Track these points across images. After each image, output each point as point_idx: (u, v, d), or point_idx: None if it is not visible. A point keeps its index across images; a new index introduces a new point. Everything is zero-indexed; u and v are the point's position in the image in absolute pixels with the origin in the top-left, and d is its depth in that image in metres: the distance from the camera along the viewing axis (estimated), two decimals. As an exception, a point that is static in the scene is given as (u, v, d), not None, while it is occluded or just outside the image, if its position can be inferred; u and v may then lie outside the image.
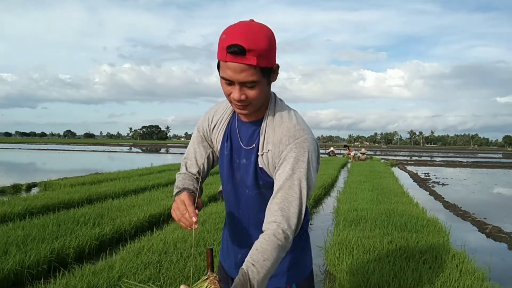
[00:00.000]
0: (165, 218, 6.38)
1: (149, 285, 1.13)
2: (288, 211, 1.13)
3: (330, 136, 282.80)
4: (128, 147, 59.28)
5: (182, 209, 1.19)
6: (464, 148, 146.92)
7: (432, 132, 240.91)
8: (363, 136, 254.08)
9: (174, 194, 1.32)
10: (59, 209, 6.55)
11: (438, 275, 3.59)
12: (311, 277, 1.40)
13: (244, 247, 1.35)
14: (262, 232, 1.25)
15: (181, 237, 4.63)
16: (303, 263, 1.37)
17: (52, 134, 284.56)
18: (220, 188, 8.19)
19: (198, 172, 1.40)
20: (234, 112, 1.33)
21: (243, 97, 1.13)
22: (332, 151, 34.55)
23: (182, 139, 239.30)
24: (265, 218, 1.16)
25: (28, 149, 43.89)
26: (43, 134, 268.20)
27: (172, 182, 10.86)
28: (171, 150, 52.22)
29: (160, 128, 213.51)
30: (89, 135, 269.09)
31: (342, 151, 36.23)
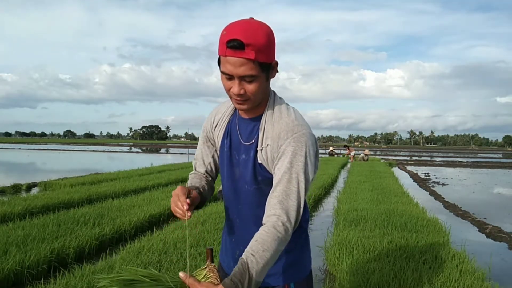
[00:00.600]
0: (165, 218, 6.38)
1: (149, 269, 1.12)
2: (287, 204, 1.16)
3: (330, 136, 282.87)
4: (128, 147, 59.29)
5: (175, 200, 1.21)
6: (464, 148, 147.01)
7: (432, 132, 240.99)
8: (363, 136, 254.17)
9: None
10: (59, 209, 6.55)
11: (438, 275, 3.59)
12: (310, 277, 1.39)
13: (242, 243, 1.34)
14: (258, 226, 1.27)
15: (181, 237, 4.63)
16: (302, 262, 1.37)
17: (52, 134, 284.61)
18: (220, 187, 8.17)
19: (206, 171, 1.46)
20: (235, 110, 1.36)
21: (242, 91, 1.16)
22: (332, 151, 34.56)
23: (182, 139, 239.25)
24: (265, 211, 1.18)
25: (28, 149, 43.90)
26: (43, 134, 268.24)
27: (172, 182, 10.87)
28: (171, 150, 52.23)
29: (160, 128, 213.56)
30: (89, 135, 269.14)
31: (342, 151, 36.26)
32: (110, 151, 42.08)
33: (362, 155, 26.15)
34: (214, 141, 1.43)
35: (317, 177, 11.60)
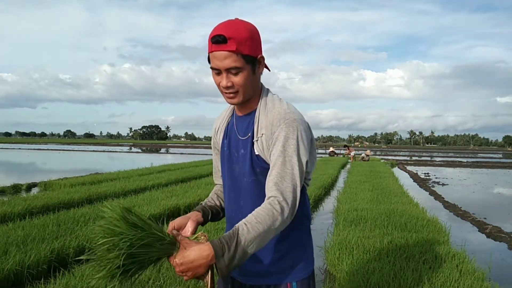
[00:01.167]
0: (165, 218, 6.38)
1: (150, 220, 1.16)
2: (282, 186, 1.19)
3: (330, 136, 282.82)
4: (128, 147, 59.28)
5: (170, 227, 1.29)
6: (464, 148, 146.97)
7: (432, 132, 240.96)
8: (363, 136, 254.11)
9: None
10: (59, 209, 6.55)
11: (438, 275, 3.59)
12: (312, 276, 1.39)
13: None
14: None
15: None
16: (305, 261, 1.37)
17: (52, 134, 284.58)
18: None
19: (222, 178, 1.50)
20: (233, 112, 1.42)
21: (229, 83, 1.22)
22: (332, 151, 34.55)
23: (182, 139, 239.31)
24: (266, 195, 1.22)
25: (28, 149, 43.90)
26: (43, 134, 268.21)
27: (172, 182, 10.86)
28: (171, 150, 52.23)
29: (160, 128, 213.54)
30: (89, 135, 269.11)
31: (342, 151, 36.25)
32: (110, 151, 42.07)
33: (363, 155, 26.15)
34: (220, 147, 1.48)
35: (317, 177, 11.61)
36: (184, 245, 1.11)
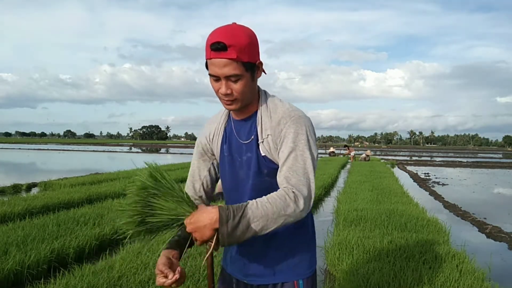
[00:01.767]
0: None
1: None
2: (295, 180, 1.18)
3: (330, 136, 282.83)
4: (128, 147, 59.27)
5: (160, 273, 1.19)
6: (463, 148, 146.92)
7: (432, 132, 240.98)
8: (363, 136, 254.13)
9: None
10: (59, 209, 6.55)
11: (438, 275, 3.59)
12: (315, 275, 1.40)
13: (253, 245, 1.34)
14: None
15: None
16: (309, 259, 1.38)
17: (52, 134, 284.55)
18: (217, 190, 8.13)
19: (203, 186, 1.44)
20: (229, 116, 1.40)
21: (229, 91, 1.21)
22: (332, 151, 34.53)
23: (182, 139, 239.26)
24: None
25: (28, 149, 43.89)
26: (43, 134, 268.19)
27: (172, 182, 10.83)
28: (171, 150, 52.22)
29: (160, 128, 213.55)
30: (89, 135, 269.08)
31: (342, 151, 36.24)
32: (110, 151, 42.07)
33: (364, 155, 26.16)
34: (212, 153, 1.45)
35: (317, 177, 11.60)
36: (199, 208, 1.15)
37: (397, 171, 18.86)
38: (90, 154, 35.01)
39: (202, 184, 1.44)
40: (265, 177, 1.30)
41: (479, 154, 56.68)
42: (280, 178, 1.21)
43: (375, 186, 10.33)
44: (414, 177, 15.91)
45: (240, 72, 1.18)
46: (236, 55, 1.16)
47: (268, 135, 1.27)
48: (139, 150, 48.35)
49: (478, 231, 6.59)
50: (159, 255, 3.89)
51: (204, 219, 1.10)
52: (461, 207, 8.59)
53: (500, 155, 54.41)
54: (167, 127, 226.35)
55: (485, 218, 7.48)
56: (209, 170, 1.45)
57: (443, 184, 13.67)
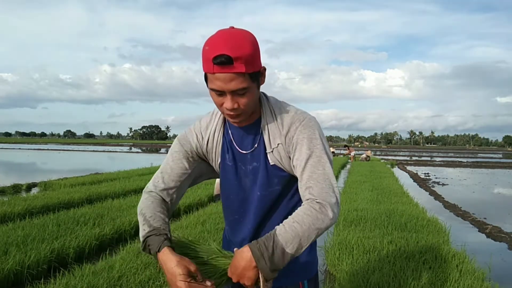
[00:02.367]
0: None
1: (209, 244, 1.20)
2: (316, 188, 1.14)
3: (330, 136, 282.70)
4: (128, 147, 59.27)
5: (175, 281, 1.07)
6: (463, 148, 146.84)
7: (432, 132, 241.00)
8: (363, 136, 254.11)
9: (142, 234, 1.19)
10: (59, 209, 6.54)
11: (438, 275, 3.59)
12: (317, 275, 1.40)
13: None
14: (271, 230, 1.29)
15: (180, 237, 4.63)
16: (313, 260, 1.37)
17: (52, 134, 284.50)
18: (215, 192, 8.12)
19: (178, 188, 1.31)
20: (225, 121, 1.31)
21: (235, 105, 1.12)
22: (332, 152, 34.52)
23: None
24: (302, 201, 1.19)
25: (28, 149, 43.88)
26: (43, 134, 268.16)
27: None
28: (171, 150, 52.12)
29: (160, 128, 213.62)
30: (89, 135, 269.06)
31: (342, 151, 36.22)
32: (110, 151, 42.06)
33: (364, 155, 26.15)
34: (200, 158, 1.35)
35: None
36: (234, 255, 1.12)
37: (397, 171, 18.85)
38: (90, 154, 35.00)
39: (179, 186, 1.31)
40: (275, 186, 1.26)
41: (479, 154, 56.67)
42: (302, 189, 1.17)
43: (375, 186, 10.33)
44: (414, 177, 15.91)
45: (247, 85, 1.10)
46: (244, 68, 1.06)
47: (278, 144, 1.22)
48: (139, 150, 48.34)
49: (478, 231, 6.58)
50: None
51: (240, 263, 1.07)
52: (461, 207, 8.59)
53: (500, 155, 54.39)
54: (167, 127, 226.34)
55: (485, 218, 7.47)
56: (190, 174, 1.33)
57: (443, 184, 13.66)
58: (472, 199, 10.37)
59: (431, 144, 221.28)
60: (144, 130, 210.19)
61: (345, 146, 34.51)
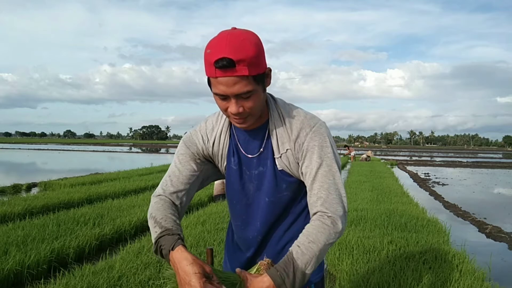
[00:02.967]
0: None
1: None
2: (327, 199, 1.13)
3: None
4: (128, 147, 59.27)
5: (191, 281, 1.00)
6: (461, 148, 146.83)
7: (432, 132, 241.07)
8: (363, 136, 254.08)
9: (154, 236, 1.14)
10: (59, 209, 6.54)
11: (438, 275, 3.59)
12: (323, 279, 1.37)
13: (254, 251, 1.32)
14: (280, 235, 1.28)
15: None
16: (320, 264, 1.32)
17: (52, 134, 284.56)
18: (215, 192, 8.12)
19: (187, 191, 1.27)
20: (231, 124, 1.28)
21: (241, 109, 1.09)
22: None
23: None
24: (309, 212, 1.17)
25: (28, 149, 43.88)
26: (43, 134, 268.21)
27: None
28: (171, 150, 52.18)
29: (160, 128, 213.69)
30: (89, 135, 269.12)
31: (342, 151, 36.22)
32: (110, 151, 42.07)
33: (364, 155, 26.15)
34: (207, 160, 1.31)
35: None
36: (245, 282, 1.06)
37: (397, 171, 18.85)
38: (90, 154, 35.00)
39: (188, 188, 1.27)
40: (284, 192, 1.23)
41: (479, 154, 56.67)
42: (312, 198, 1.15)
43: (375, 186, 10.33)
44: (414, 177, 15.91)
45: (252, 88, 1.06)
46: (248, 71, 1.02)
47: (287, 149, 1.19)
48: (139, 150, 48.33)
49: (478, 231, 6.58)
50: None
51: None
52: (461, 207, 8.59)
53: (500, 155, 54.39)
54: (167, 127, 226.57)
55: (485, 218, 7.47)
56: (198, 176, 1.29)
57: (443, 184, 13.66)
58: (472, 199, 10.37)
59: (431, 144, 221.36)
60: (144, 130, 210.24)
61: (345, 146, 34.50)
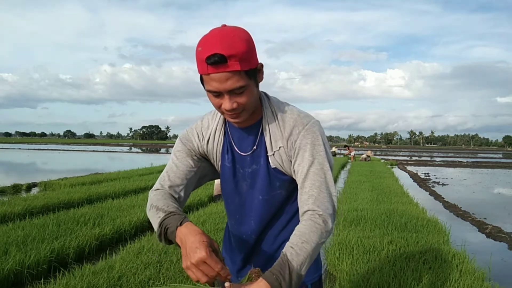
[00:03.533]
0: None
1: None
2: (319, 197, 1.13)
3: (330, 136, 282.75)
4: (128, 147, 59.27)
5: (209, 272, 0.98)
6: (462, 148, 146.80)
7: (432, 132, 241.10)
8: (363, 136, 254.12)
9: (157, 221, 1.13)
10: (59, 209, 6.55)
11: (438, 275, 3.59)
12: (321, 279, 1.37)
13: (263, 258, 1.32)
14: (276, 234, 1.27)
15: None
16: (316, 263, 1.34)
17: (52, 134, 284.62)
18: (215, 192, 8.12)
19: (185, 187, 1.27)
20: (226, 121, 1.29)
21: (234, 105, 1.09)
22: (333, 151, 34.52)
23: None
24: (299, 209, 1.16)
25: (28, 149, 43.88)
26: (43, 134, 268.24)
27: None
28: (171, 150, 51.91)
29: (160, 128, 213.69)
30: (89, 135, 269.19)
31: (342, 151, 36.23)
32: (110, 151, 42.07)
33: (364, 155, 26.15)
34: (203, 157, 1.32)
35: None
36: None
37: (397, 171, 18.85)
38: (90, 154, 35.00)
39: (186, 184, 1.27)
40: (277, 190, 1.24)
41: (479, 154, 56.67)
42: (303, 196, 1.15)
43: (375, 186, 10.33)
44: (414, 177, 15.91)
45: (244, 83, 1.07)
46: (239, 66, 1.03)
47: (280, 147, 1.19)
48: (139, 150, 48.34)
49: (478, 231, 6.58)
50: (159, 254, 3.78)
51: None
52: (461, 207, 8.59)
53: (500, 155, 54.39)
54: (167, 127, 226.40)
55: (485, 218, 7.47)
56: (195, 173, 1.30)
57: (443, 184, 13.66)
58: (472, 199, 10.37)
59: (431, 144, 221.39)
60: (144, 130, 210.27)
61: (345, 146, 34.49)
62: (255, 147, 1.23)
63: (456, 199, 9.84)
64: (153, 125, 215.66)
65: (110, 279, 3.30)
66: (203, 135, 1.29)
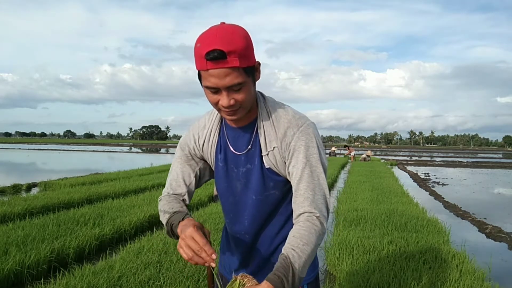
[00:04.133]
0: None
1: None
2: (314, 199, 1.14)
3: (330, 136, 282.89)
4: (128, 147, 59.29)
5: (195, 247, 1.07)
6: (463, 148, 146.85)
7: (432, 132, 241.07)
8: (363, 136, 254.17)
9: (165, 221, 1.24)
10: (59, 209, 6.55)
11: (438, 275, 3.59)
12: (318, 278, 1.38)
13: (258, 258, 1.32)
14: (272, 236, 1.27)
15: None
16: (313, 263, 1.34)
17: (52, 134, 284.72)
18: (215, 192, 8.14)
19: (188, 193, 1.34)
20: (221, 121, 1.29)
21: (232, 102, 1.10)
22: (333, 151, 34.52)
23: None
24: (293, 211, 1.16)
25: (28, 149, 43.89)
26: (43, 134, 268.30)
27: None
28: (171, 150, 52.20)
29: (160, 128, 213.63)
30: (89, 135, 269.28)
31: (342, 151, 36.24)
32: (110, 151, 42.08)
33: (364, 155, 26.17)
34: (202, 159, 1.35)
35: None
36: None
37: (397, 171, 18.86)
38: (90, 154, 35.00)
39: (188, 191, 1.34)
40: (271, 190, 1.24)
41: (479, 154, 56.69)
42: (299, 198, 1.15)
43: (375, 186, 10.33)
44: (414, 177, 15.91)
45: (243, 80, 1.07)
46: (239, 62, 1.04)
47: (274, 147, 1.19)
48: (139, 150, 48.35)
49: (478, 231, 6.59)
50: (159, 254, 3.79)
51: None
52: (461, 207, 8.59)
53: (500, 155, 54.40)
54: (167, 127, 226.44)
55: (485, 218, 7.48)
56: (196, 176, 1.35)
57: (443, 184, 13.67)
58: (472, 199, 10.38)
59: (431, 144, 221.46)
60: (144, 130, 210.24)
61: (345, 146, 34.49)
62: (249, 147, 1.24)
63: (456, 199, 9.84)
64: (153, 125, 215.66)
65: (110, 279, 3.30)
66: (199, 135, 1.31)
